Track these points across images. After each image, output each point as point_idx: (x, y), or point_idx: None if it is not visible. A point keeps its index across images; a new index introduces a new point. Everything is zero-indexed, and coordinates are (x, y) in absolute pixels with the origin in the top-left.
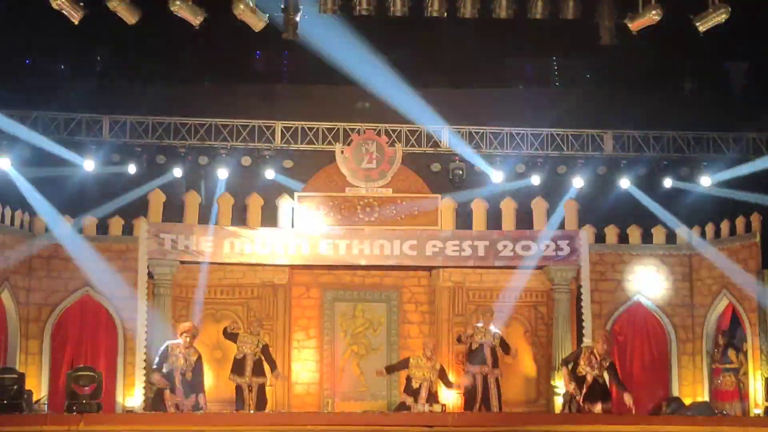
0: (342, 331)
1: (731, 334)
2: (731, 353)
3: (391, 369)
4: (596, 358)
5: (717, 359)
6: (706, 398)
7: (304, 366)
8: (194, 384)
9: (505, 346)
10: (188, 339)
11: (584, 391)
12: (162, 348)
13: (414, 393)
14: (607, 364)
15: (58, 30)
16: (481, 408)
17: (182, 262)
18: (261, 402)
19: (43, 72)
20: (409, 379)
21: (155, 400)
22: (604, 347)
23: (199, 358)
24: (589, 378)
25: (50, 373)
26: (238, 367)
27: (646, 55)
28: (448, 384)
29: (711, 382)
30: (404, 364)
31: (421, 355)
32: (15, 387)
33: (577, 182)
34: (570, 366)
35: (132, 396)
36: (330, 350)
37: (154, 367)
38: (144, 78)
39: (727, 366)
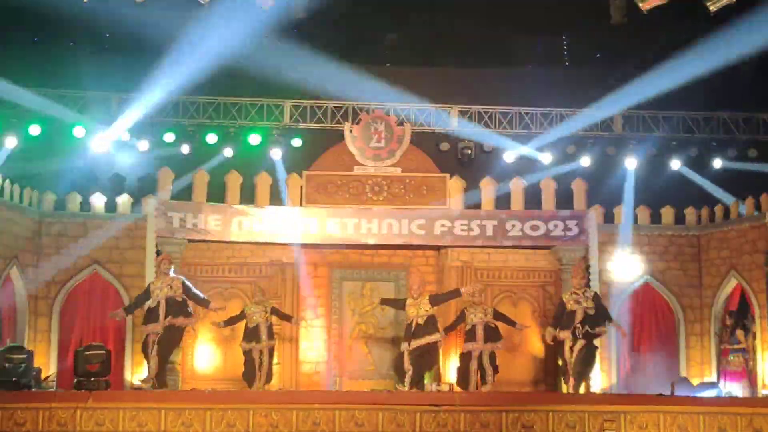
0: (350, 310)
1: (740, 315)
2: (739, 334)
3: (389, 302)
4: (579, 293)
5: (725, 340)
6: (714, 379)
7: (311, 345)
8: (184, 305)
9: (504, 319)
10: (167, 265)
11: (578, 324)
12: (141, 293)
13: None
14: (592, 294)
15: (67, 7)
16: (477, 386)
17: (190, 241)
18: (271, 363)
19: (53, 49)
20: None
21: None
22: (579, 280)
23: (184, 282)
24: (579, 312)
25: (59, 351)
26: (251, 334)
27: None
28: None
29: (719, 363)
30: (401, 304)
31: (411, 295)
32: (24, 365)
33: (586, 162)
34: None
35: (140, 374)
36: (338, 329)
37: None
38: (149, 56)
39: (736, 347)
